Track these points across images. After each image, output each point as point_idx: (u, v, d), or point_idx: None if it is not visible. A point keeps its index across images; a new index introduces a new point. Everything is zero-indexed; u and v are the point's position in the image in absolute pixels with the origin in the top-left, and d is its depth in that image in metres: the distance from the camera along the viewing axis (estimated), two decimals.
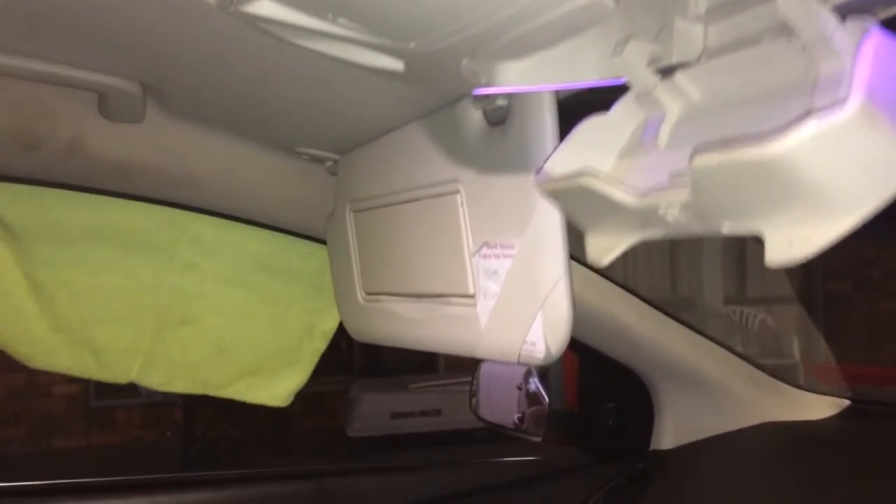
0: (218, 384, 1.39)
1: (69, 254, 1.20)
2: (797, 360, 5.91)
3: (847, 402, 1.43)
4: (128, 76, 0.87)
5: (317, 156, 1.09)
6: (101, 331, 1.26)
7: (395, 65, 0.61)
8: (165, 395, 6.06)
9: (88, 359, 1.26)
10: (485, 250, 0.80)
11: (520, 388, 1.61)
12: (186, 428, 5.76)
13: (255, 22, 0.56)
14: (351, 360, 6.61)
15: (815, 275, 6.61)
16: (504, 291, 0.78)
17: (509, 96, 0.75)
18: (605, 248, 0.63)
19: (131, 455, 5.89)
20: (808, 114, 0.41)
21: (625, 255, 0.63)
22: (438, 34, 0.54)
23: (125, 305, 1.26)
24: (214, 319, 1.33)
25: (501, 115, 0.77)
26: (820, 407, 1.42)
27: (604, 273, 1.22)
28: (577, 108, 0.69)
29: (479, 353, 0.84)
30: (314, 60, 0.63)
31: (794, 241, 0.45)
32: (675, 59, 0.57)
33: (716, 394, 1.38)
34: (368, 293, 1.08)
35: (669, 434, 1.40)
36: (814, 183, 0.42)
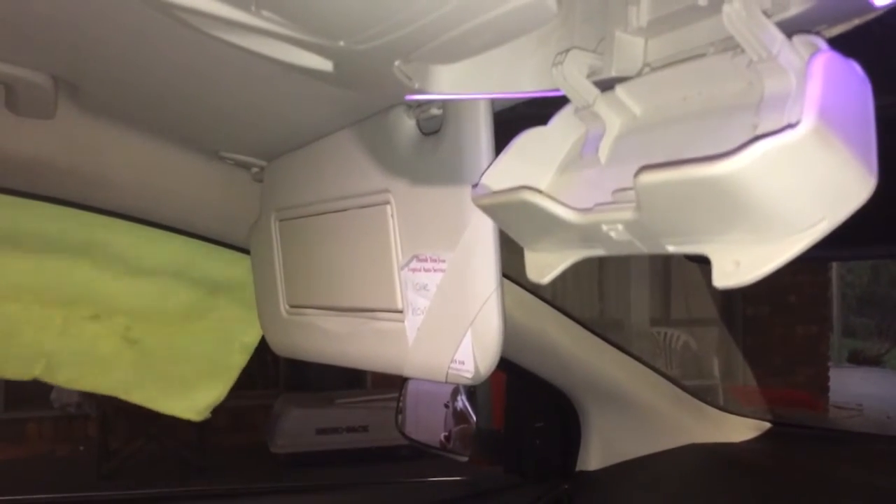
0: (127, 384, 1.31)
1: None
2: (717, 381, 6.09)
3: (768, 425, 1.45)
4: (38, 68, 0.81)
5: (242, 161, 1.04)
6: (1, 326, 1.19)
7: (324, 64, 0.57)
8: (79, 407, 5.81)
9: None
10: (414, 264, 0.77)
11: (447, 406, 1.58)
12: (101, 443, 5.52)
13: (172, 11, 0.52)
14: (276, 375, 6.47)
15: (734, 298, 6.82)
16: (433, 307, 0.75)
17: (444, 105, 0.72)
18: (545, 265, 0.61)
19: (42, 470, 5.61)
20: (756, 132, 0.39)
21: None
22: (368, 33, 0.51)
23: (31, 303, 1.19)
24: (126, 314, 1.27)
25: (435, 124, 0.74)
26: (742, 429, 1.44)
27: (534, 291, 1.20)
28: (514, 121, 0.67)
29: (405, 371, 0.81)
30: (240, 58, 0.59)
31: (741, 262, 0.43)
32: (614, 73, 0.56)
33: (642, 415, 1.38)
34: (292, 306, 1.04)
35: (595, 455, 1.39)
36: (763, 204, 0.40)
